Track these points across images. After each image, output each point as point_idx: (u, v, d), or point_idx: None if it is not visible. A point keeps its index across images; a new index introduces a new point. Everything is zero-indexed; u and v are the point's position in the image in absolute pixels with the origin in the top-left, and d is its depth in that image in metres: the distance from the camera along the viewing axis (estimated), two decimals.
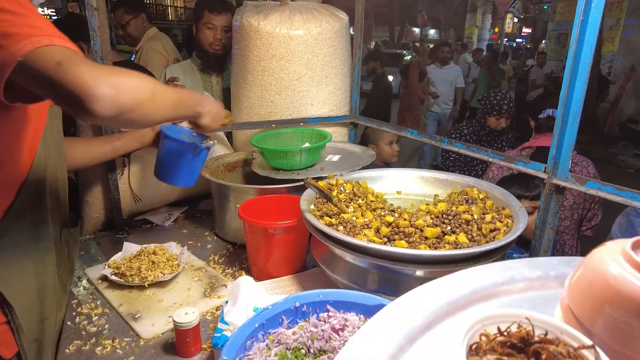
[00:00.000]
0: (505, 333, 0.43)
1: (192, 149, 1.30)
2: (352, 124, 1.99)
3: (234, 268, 1.36)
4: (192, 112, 1.08)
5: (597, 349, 0.38)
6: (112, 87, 0.76)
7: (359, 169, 1.48)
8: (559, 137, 1.14)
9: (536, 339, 0.42)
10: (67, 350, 1.02)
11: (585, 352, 0.39)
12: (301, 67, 1.73)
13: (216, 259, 1.42)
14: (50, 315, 1.04)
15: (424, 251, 0.92)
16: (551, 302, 0.54)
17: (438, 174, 1.44)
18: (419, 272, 1.00)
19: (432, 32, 24.76)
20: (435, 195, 1.36)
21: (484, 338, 0.43)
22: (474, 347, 0.42)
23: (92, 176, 1.70)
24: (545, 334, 0.42)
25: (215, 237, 1.58)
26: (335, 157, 1.69)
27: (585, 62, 1.06)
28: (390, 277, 1.04)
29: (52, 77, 0.73)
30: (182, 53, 3.31)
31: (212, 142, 1.37)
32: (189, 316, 0.94)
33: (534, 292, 0.57)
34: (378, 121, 1.89)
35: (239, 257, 1.43)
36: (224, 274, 1.33)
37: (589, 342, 0.39)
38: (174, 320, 0.94)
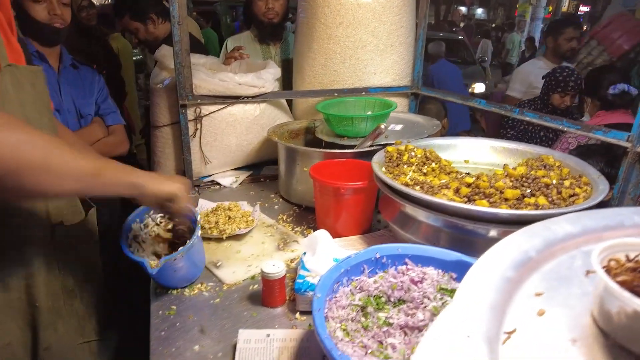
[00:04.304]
0: (634, 261, 0.45)
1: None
2: (413, 95, 1.98)
3: (302, 227, 1.42)
4: (126, 187, 0.83)
5: None
6: None
7: (425, 137, 1.49)
8: None
9: None
10: (158, 290, 1.11)
11: None
12: (367, 35, 1.73)
13: (284, 218, 1.48)
14: (16, 340, 0.93)
15: (508, 210, 0.93)
16: None
17: (508, 144, 1.42)
18: (493, 232, 1.02)
19: (479, 11, 23.70)
20: (504, 164, 1.35)
21: (613, 262, 0.44)
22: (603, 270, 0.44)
23: (163, 138, 1.80)
24: None
25: (281, 199, 1.64)
26: (398, 127, 1.70)
27: None
28: (464, 237, 1.05)
29: None
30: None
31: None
32: (276, 267, 1.00)
33: None
34: (443, 91, 1.87)
35: (306, 218, 1.49)
36: (293, 231, 1.39)
37: None
38: (262, 271, 0.99)
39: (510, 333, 0.42)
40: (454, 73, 4.44)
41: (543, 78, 2.64)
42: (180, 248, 0.99)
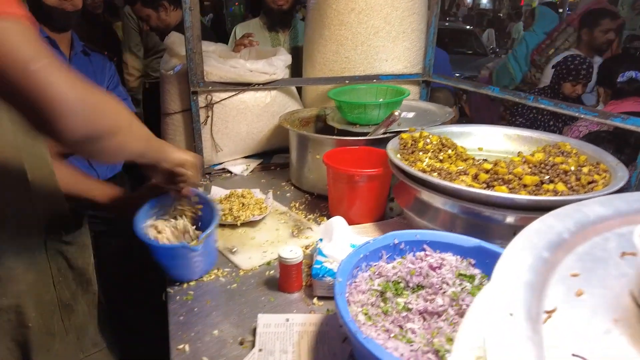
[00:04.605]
0: None
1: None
2: (424, 82, 1.96)
3: (315, 214, 1.42)
4: (158, 155, 0.92)
5: None
6: (90, 106, 0.64)
7: (439, 124, 1.48)
8: None
9: None
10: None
11: None
12: (380, 21, 1.71)
13: (297, 205, 1.48)
14: None
15: (528, 197, 0.93)
16: None
17: (522, 131, 1.41)
18: (510, 219, 1.01)
19: (484, 0, 23.37)
20: (519, 152, 1.34)
21: None
22: None
23: (174, 125, 1.80)
24: None
25: (292, 187, 1.64)
26: (410, 114, 1.69)
27: None
28: (481, 223, 1.05)
29: (15, 77, 0.56)
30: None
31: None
32: (294, 253, 1.00)
33: None
34: (455, 79, 1.86)
35: (318, 206, 1.48)
36: (306, 218, 1.39)
37: None
38: (280, 256, 0.99)
39: (550, 312, 0.42)
40: (442, 59, 4.43)
41: (553, 67, 2.61)
42: (208, 228, 1.01)
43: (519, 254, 0.48)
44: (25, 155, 0.85)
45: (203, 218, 1.10)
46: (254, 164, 1.81)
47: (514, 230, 1.05)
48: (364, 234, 1.27)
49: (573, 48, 3.15)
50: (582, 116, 1.33)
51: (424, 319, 0.83)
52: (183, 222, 1.07)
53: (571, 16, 3.40)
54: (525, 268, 0.46)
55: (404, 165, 1.11)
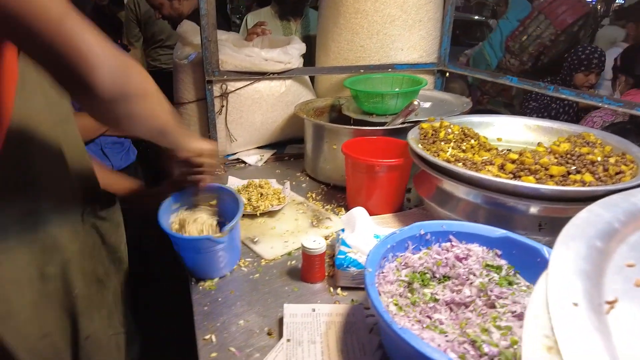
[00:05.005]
0: None
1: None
2: (439, 72, 1.94)
3: (332, 205, 1.41)
4: (177, 140, 0.90)
5: None
6: (120, 63, 0.64)
7: (457, 114, 1.47)
8: None
9: None
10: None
11: None
12: (396, 9, 1.69)
13: (314, 196, 1.47)
14: (55, 329, 0.87)
15: (559, 187, 0.92)
16: None
17: (542, 122, 1.39)
18: (533, 209, 1.01)
19: None
20: (539, 142, 1.33)
21: None
22: None
23: (188, 115, 1.78)
24: None
25: (307, 178, 1.63)
26: (427, 104, 1.67)
27: None
28: (504, 214, 1.04)
29: (49, 34, 0.56)
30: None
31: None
32: (317, 243, 0.99)
33: None
34: (471, 68, 1.83)
35: (335, 196, 1.48)
36: (324, 209, 1.38)
37: None
38: (303, 246, 0.98)
39: (612, 303, 0.41)
40: None
41: (565, 57, 2.58)
42: (232, 220, 0.99)
43: (572, 244, 0.47)
44: (60, 130, 0.85)
45: (227, 211, 1.09)
46: (267, 154, 1.80)
47: (539, 220, 1.04)
48: (385, 225, 1.27)
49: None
50: (606, 106, 1.31)
51: (451, 310, 0.83)
52: (205, 216, 1.07)
53: (543, 4, 3.40)
54: (580, 257, 0.45)
55: (428, 155, 1.10)
